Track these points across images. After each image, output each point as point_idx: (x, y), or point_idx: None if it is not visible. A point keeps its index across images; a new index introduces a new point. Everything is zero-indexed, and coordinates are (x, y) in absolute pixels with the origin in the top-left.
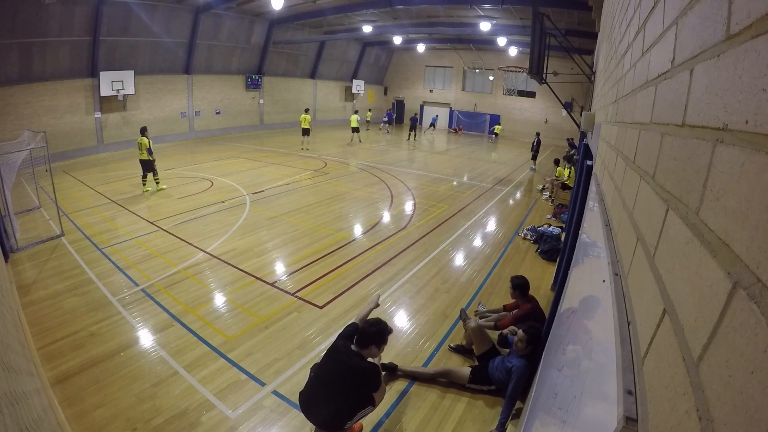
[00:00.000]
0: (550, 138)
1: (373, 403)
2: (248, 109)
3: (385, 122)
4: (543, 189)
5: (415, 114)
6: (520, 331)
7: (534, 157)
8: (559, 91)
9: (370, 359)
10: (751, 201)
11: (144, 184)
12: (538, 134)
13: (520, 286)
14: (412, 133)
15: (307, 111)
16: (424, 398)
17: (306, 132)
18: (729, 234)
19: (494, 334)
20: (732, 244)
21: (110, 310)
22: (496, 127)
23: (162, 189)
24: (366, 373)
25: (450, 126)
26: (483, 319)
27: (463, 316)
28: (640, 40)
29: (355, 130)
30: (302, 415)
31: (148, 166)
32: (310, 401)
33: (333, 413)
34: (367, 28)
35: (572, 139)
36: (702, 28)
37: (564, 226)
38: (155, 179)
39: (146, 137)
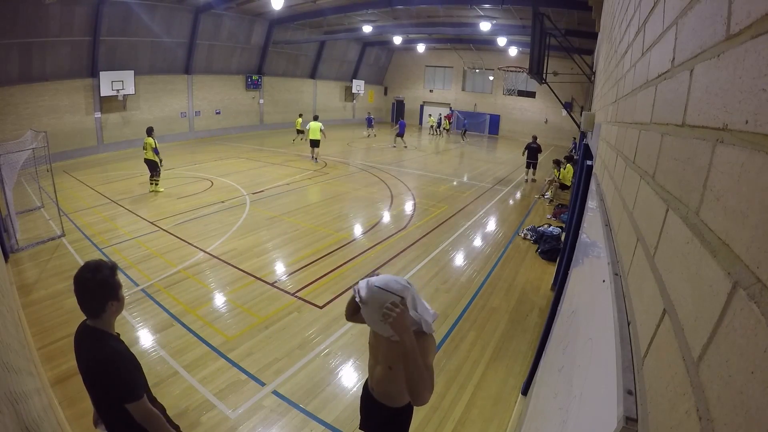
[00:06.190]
0: (549, 138)
1: None
2: (248, 109)
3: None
4: (543, 195)
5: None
6: None
7: (529, 165)
8: (559, 91)
9: None
10: (751, 201)
11: (152, 184)
12: (534, 137)
13: None
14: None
15: (316, 118)
16: None
17: (315, 143)
18: (729, 234)
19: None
20: (732, 244)
21: None
22: (431, 119)
23: (158, 191)
24: None
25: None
26: None
27: None
28: (640, 40)
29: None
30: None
31: (153, 166)
32: None
33: None
34: (367, 28)
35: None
36: (702, 28)
37: (564, 226)
38: (155, 180)
39: (152, 137)
